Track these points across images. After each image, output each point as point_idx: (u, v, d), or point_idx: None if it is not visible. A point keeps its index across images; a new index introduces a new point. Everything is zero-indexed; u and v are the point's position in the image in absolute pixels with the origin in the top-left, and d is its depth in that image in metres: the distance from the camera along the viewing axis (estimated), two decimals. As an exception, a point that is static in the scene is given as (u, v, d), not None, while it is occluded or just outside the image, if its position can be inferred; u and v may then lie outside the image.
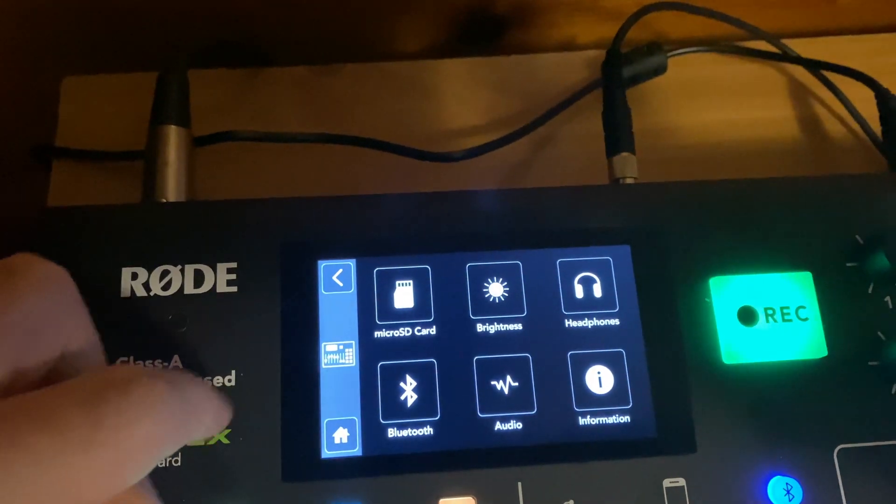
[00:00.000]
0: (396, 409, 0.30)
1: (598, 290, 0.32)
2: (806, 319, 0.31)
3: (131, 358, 0.28)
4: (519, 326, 0.31)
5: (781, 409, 0.30)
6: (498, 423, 0.30)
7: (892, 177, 0.38)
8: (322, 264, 0.31)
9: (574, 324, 0.31)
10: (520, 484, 0.29)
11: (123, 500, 0.19)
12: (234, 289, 0.30)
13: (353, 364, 0.30)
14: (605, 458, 0.29)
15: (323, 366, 0.30)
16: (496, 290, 0.31)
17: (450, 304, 0.31)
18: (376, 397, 0.30)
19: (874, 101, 0.41)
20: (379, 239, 0.32)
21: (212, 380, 0.29)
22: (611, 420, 0.30)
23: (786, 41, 0.45)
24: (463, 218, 0.32)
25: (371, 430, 0.29)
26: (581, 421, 0.30)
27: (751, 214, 0.33)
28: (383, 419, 0.29)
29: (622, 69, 0.40)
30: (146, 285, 0.30)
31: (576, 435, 0.30)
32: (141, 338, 0.29)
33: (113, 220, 0.31)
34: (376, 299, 0.31)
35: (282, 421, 0.29)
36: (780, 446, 0.30)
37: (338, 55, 0.46)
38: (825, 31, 0.47)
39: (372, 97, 0.45)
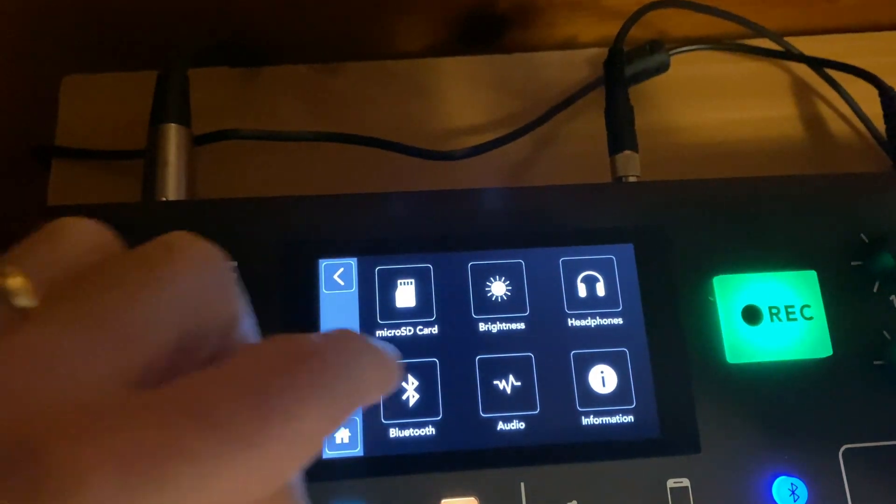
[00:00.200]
0: (398, 409, 0.29)
1: (601, 289, 0.31)
2: (811, 318, 0.31)
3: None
4: (521, 326, 0.31)
5: (786, 408, 0.30)
6: (500, 422, 0.30)
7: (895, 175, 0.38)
8: (323, 263, 0.31)
9: (577, 323, 0.31)
10: (522, 484, 0.28)
11: (275, 498, 0.17)
12: (234, 288, 0.30)
13: (355, 364, 0.30)
14: (609, 459, 0.29)
15: (324, 365, 0.30)
16: (498, 289, 0.31)
17: (452, 303, 0.31)
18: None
19: (878, 100, 0.41)
20: (380, 238, 0.31)
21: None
22: (614, 420, 0.30)
23: (789, 39, 0.45)
24: (465, 217, 0.32)
25: (372, 430, 0.29)
26: (584, 421, 0.30)
27: (755, 213, 0.33)
28: (385, 419, 0.29)
29: (624, 67, 0.40)
30: (146, 285, 0.30)
31: (579, 435, 0.29)
32: (141, 337, 0.29)
33: (113, 219, 0.31)
34: (378, 298, 0.31)
35: (283, 421, 0.28)
36: (784, 446, 0.29)
37: (339, 54, 0.45)
38: (829, 30, 0.47)
39: (373, 96, 0.45)
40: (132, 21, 0.44)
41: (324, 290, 0.31)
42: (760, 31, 0.45)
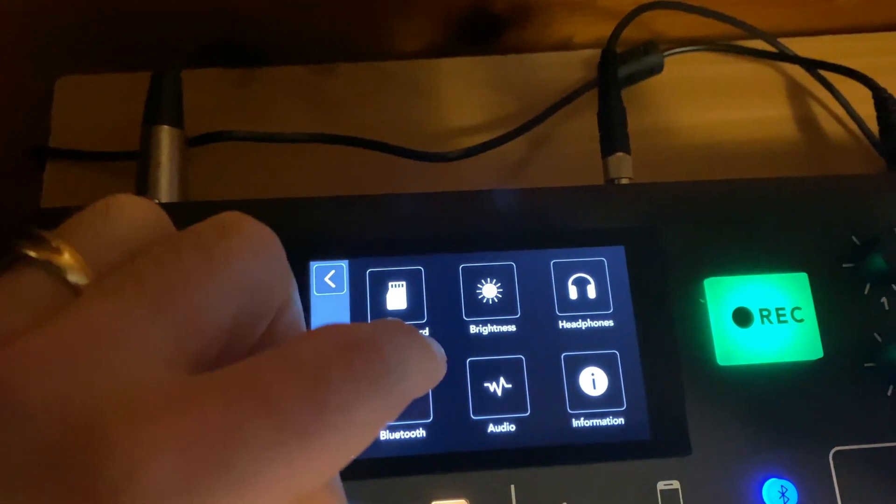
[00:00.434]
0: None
1: (592, 292, 0.31)
2: (801, 321, 0.31)
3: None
4: (512, 328, 0.31)
5: (777, 411, 0.30)
6: (491, 425, 0.30)
7: (888, 176, 0.38)
8: (314, 265, 0.31)
9: (568, 325, 0.31)
10: (513, 486, 0.29)
11: (316, 495, 0.16)
12: (226, 290, 0.30)
13: (346, 366, 0.30)
14: (599, 461, 0.29)
15: (315, 367, 0.30)
16: (490, 291, 0.31)
17: (443, 305, 0.31)
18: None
19: (871, 101, 0.41)
20: (372, 240, 0.31)
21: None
22: (605, 422, 0.30)
23: (783, 40, 0.45)
24: (456, 219, 0.32)
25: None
26: (575, 423, 0.30)
27: (746, 215, 0.33)
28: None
29: (619, 68, 0.40)
30: (138, 287, 0.30)
31: (569, 437, 0.30)
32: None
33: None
34: (369, 301, 0.31)
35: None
36: (775, 448, 0.29)
37: (335, 55, 0.45)
38: (822, 31, 0.47)
39: (369, 97, 0.45)
40: (127, 22, 0.44)
41: (315, 293, 0.31)
42: (754, 33, 0.45)
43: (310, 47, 0.45)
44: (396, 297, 0.31)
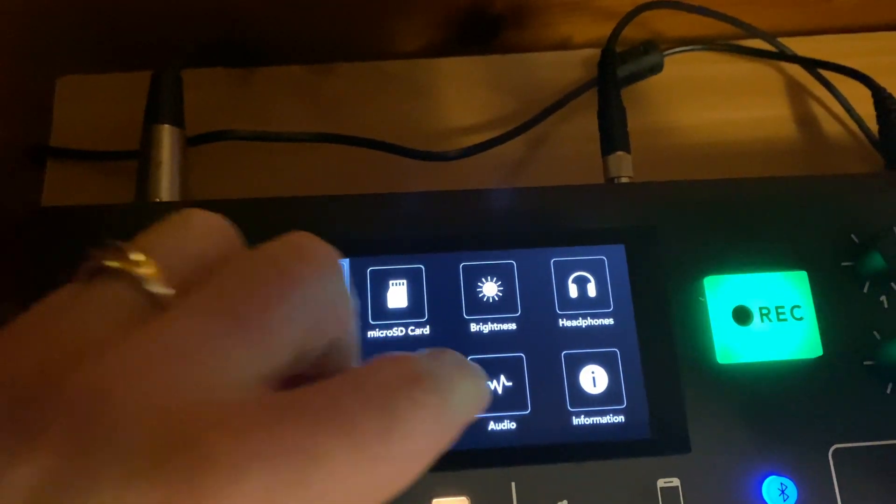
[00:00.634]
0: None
1: (592, 290, 0.31)
2: (801, 319, 0.31)
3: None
4: (513, 326, 0.31)
5: (776, 408, 0.30)
6: (491, 422, 0.30)
7: (887, 175, 0.38)
8: (315, 264, 0.31)
9: (568, 323, 0.31)
10: (513, 484, 0.29)
11: None
12: (227, 289, 0.30)
13: (347, 364, 0.30)
14: (599, 459, 0.29)
15: (316, 366, 0.30)
16: (490, 289, 0.31)
17: (444, 303, 0.31)
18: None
19: (871, 100, 0.41)
20: (373, 238, 0.31)
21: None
22: (605, 420, 0.30)
23: (782, 40, 0.45)
24: (457, 217, 0.32)
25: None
26: (575, 421, 0.30)
27: (746, 214, 0.33)
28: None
29: (618, 68, 0.40)
30: (139, 285, 0.30)
31: (570, 435, 0.30)
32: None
33: (107, 220, 0.31)
34: (370, 299, 0.31)
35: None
36: (774, 446, 0.30)
37: (334, 54, 0.46)
38: (822, 30, 0.47)
39: (368, 96, 0.45)
40: (127, 22, 0.44)
41: (316, 291, 0.31)
42: (754, 32, 0.45)
43: (309, 47, 0.46)
44: (397, 295, 0.31)
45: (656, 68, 0.44)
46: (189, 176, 0.36)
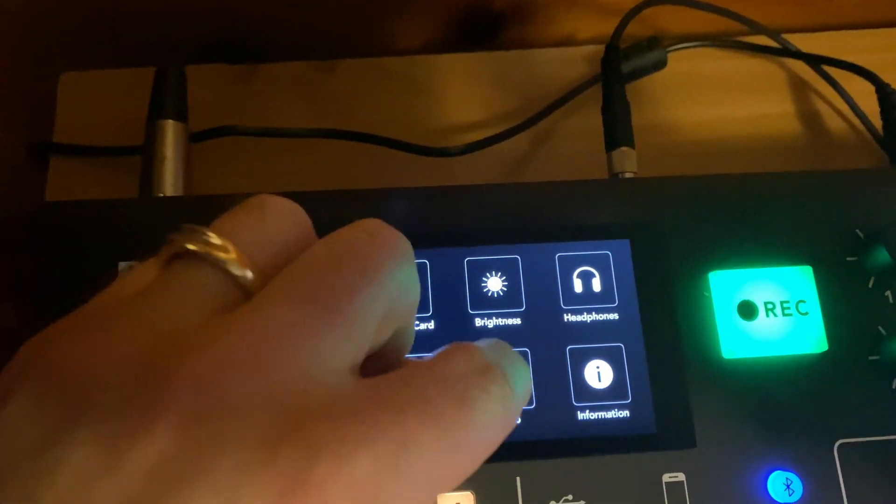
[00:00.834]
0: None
1: (597, 285, 0.31)
2: (806, 314, 0.31)
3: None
4: (518, 321, 0.31)
5: (781, 403, 0.30)
6: (496, 417, 0.30)
7: (892, 171, 0.38)
8: (320, 259, 0.31)
9: (573, 318, 0.31)
10: (518, 479, 0.29)
11: None
12: (231, 283, 0.30)
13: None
14: (604, 454, 0.29)
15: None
16: (495, 284, 0.31)
17: (448, 298, 0.31)
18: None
19: (875, 96, 0.41)
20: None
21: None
22: (610, 415, 0.30)
23: (786, 36, 0.45)
24: (461, 213, 0.32)
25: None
26: (580, 416, 0.30)
27: (751, 209, 0.33)
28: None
29: (622, 64, 0.40)
30: (143, 280, 0.30)
31: (575, 430, 0.30)
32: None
33: (110, 215, 0.31)
34: None
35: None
36: (780, 441, 0.30)
37: (336, 51, 0.45)
38: (826, 26, 0.47)
39: (370, 93, 0.45)
40: (130, 18, 0.44)
41: (320, 286, 0.31)
42: (757, 28, 0.45)
43: (311, 44, 0.46)
44: None
45: (660, 64, 0.44)
46: (192, 171, 0.36)
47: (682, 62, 0.45)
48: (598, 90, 0.39)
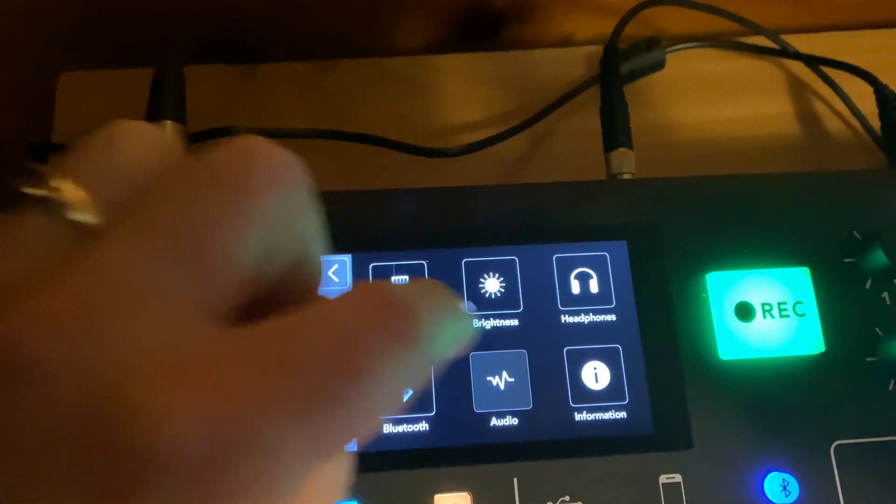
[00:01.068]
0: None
1: (594, 286, 0.31)
2: (803, 315, 0.31)
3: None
4: (515, 322, 0.31)
5: (778, 405, 0.30)
6: (494, 418, 0.30)
7: (890, 173, 0.38)
8: (318, 260, 0.31)
9: (570, 319, 0.31)
10: (516, 480, 0.29)
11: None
12: (229, 284, 0.30)
13: (349, 360, 0.30)
14: (601, 455, 0.29)
15: (318, 361, 0.30)
16: (492, 285, 0.31)
17: None
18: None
19: (873, 97, 0.41)
20: (375, 234, 0.31)
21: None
22: (607, 416, 0.30)
23: (784, 37, 0.45)
24: (459, 213, 0.32)
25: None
26: (577, 417, 0.30)
27: (748, 210, 0.33)
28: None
29: (620, 65, 0.40)
30: (141, 281, 0.30)
31: (572, 431, 0.30)
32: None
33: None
34: None
35: (277, 417, 0.29)
36: (776, 442, 0.30)
37: (336, 51, 0.45)
38: (824, 27, 0.47)
39: (370, 93, 0.45)
40: (130, 18, 0.44)
41: (318, 287, 0.31)
42: (756, 29, 0.45)
43: (310, 44, 0.46)
44: None
45: (658, 65, 0.44)
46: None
47: (681, 63, 0.45)
48: (596, 91, 0.39)
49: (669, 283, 0.31)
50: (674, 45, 0.45)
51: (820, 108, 0.45)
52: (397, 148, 0.40)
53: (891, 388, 0.31)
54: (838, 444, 0.30)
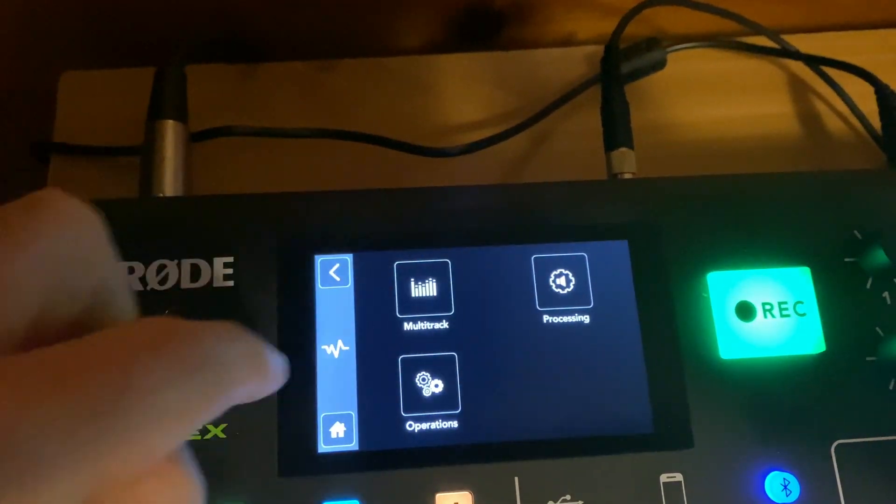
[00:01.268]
0: (393, 404, 0.30)
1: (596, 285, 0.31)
2: (804, 315, 0.31)
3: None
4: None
5: (779, 404, 0.30)
6: (495, 417, 0.30)
7: (890, 172, 0.38)
8: (319, 259, 0.31)
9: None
10: (517, 479, 0.29)
11: (158, 471, 0.16)
12: (230, 283, 0.30)
13: (350, 359, 0.30)
14: (603, 454, 0.29)
15: (319, 360, 0.30)
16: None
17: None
18: (373, 392, 0.30)
19: (874, 97, 0.41)
20: (376, 234, 0.31)
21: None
22: (608, 414, 0.30)
23: (785, 37, 0.45)
24: (459, 213, 0.32)
25: (368, 424, 0.29)
26: (578, 415, 0.30)
27: (749, 210, 0.33)
28: (380, 414, 0.29)
29: (621, 65, 0.40)
30: (143, 280, 0.30)
31: (573, 430, 0.30)
32: (137, 332, 0.29)
33: (109, 215, 0.31)
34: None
35: (278, 416, 0.29)
36: (777, 442, 0.30)
37: (336, 51, 0.45)
38: (825, 27, 0.47)
39: (370, 92, 0.45)
40: (130, 17, 0.44)
41: (319, 286, 0.31)
42: (757, 29, 0.45)
43: (310, 43, 0.46)
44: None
45: (659, 65, 0.44)
46: (192, 171, 0.36)
47: (682, 63, 0.45)
48: (597, 90, 0.39)
49: (670, 283, 0.31)
50: (674, 44, 0.45)
51: (821, 107, 0.45)
52: (397, 147, 0.40)
53: (891, 387, 0.31)
54: (839, 444, 0.30)
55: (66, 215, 0.16)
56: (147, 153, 0.35)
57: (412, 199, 0.32)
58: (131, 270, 0.30)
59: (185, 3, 0.43)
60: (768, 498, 0.29)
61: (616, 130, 0.36)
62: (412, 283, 0.31)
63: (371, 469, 0.29)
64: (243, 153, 0.42)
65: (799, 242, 0.32)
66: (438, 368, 0.30)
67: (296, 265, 0.31)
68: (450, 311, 0.31)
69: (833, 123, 0.45)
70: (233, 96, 0.44)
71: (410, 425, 0.29)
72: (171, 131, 0.35)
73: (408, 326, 0.30)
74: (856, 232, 0.33)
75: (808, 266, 0.32)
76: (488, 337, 0.30)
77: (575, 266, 0.32)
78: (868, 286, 0.32)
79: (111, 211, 0.31)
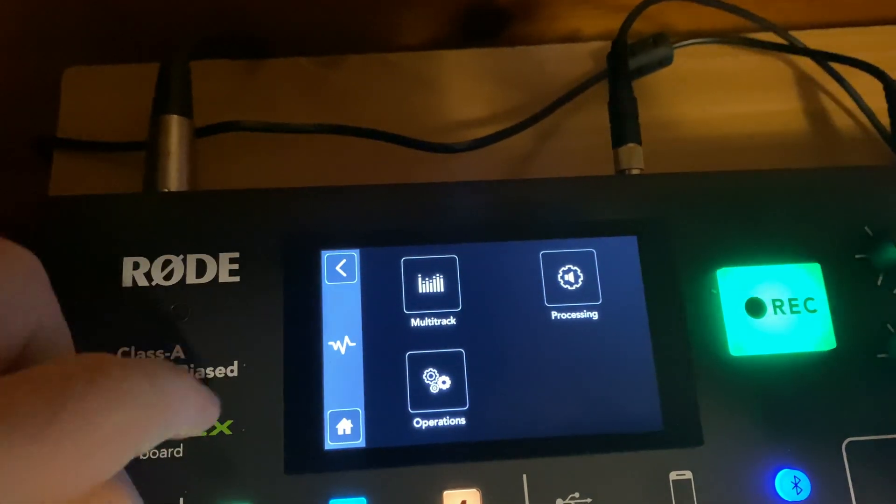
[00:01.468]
0: (401, 401, 0.29)
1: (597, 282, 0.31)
2: (814, 311, 0.31)
3: (132, 349, 0.28)
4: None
5: (789, 401, 0.30)
6: (503, 414, 0.29)
7: (900, 169, 0.38)
8: (325, 254, 0.31)
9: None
10: (525, 476, 0.28)
11: (97, 496, 0.17)
12: (236, 279, 0.30)
13: (357, 355, 0.30)
14: (611, 451, 0.29)
15: (326, 356, 0.29)
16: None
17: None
18: (380, 388, 0.29)
19: (882, 94, 0.40)
20: (383, 229, 0.31)
21: (214, 370, 0.29)
22: (615, 412, 0.30)
23: (793, 33, 0.45)
24: (466, 209, 0.32)
25: (375, 421, 0.29)
26: (587, 413, 0.30)
27: (758, 206, 0.32)
28: (387, 411, 0.29)
29: (628, 60, 0.40)
30: (148, 275, 0.30)
31: (582, 427, 0.29)
32: (142, 328, 0.29)
33: (115, 210, 0.31)
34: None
35: (284, 412, 0.28)
36: (787, 439, 0.29)
37: (340, 46, 0.45)
38: (833, 23, 0.47)
39: (375, 88, 0.44)
40: (134, 13, 0.43)
41: (326, 282, 0.30)
42: (765, 25, 0.45)
43: (315, 39, 0.45)
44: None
45: (666, 61, 0.44)
46: (197, 166, 0.36)
47: (689, 59, 0.45)
48: (603, 86, 0.39)
49: (679, 279, 0.31)
50: (681, 40, 0.45)
51: (829, 104, 0.45)
52: (402, 143, 0.40)
53: (902, 384, 0.30)
54: (850, 441, 0.29)
55: (8, 263, 0.17)
56: (152, 148, 0.35)
57: (419, 195, 0.32)
58: (136, 266, 0.30)
59: (186, 0, 0.42)
60: (779, 496, 0.29)
61: (623, 126, 0.36)
62: (419, 279, 0.31)
63: (378, 466, 0.28)
64: (249, 148, 0.41)
65: (809, 239, 0.32)
66: (446, 365, 0.30)
67: (302, 261, 0.30)
68: (457, 307, 0.31)
69: (841, 120, 0.45)
70: (237, 92, 0.44)
71: (418, 422, 0.29)
72: (175, 126, 0.35)
73: (415, 322, 0.30)
74: (866, 228, 0.32)
75: (818, 262, 0.31)
76: (496, 333, 0.30)
77: (583, 262, 0.31)
78: (879, 283, 0.32)
79: (116, 206, 0.31)
